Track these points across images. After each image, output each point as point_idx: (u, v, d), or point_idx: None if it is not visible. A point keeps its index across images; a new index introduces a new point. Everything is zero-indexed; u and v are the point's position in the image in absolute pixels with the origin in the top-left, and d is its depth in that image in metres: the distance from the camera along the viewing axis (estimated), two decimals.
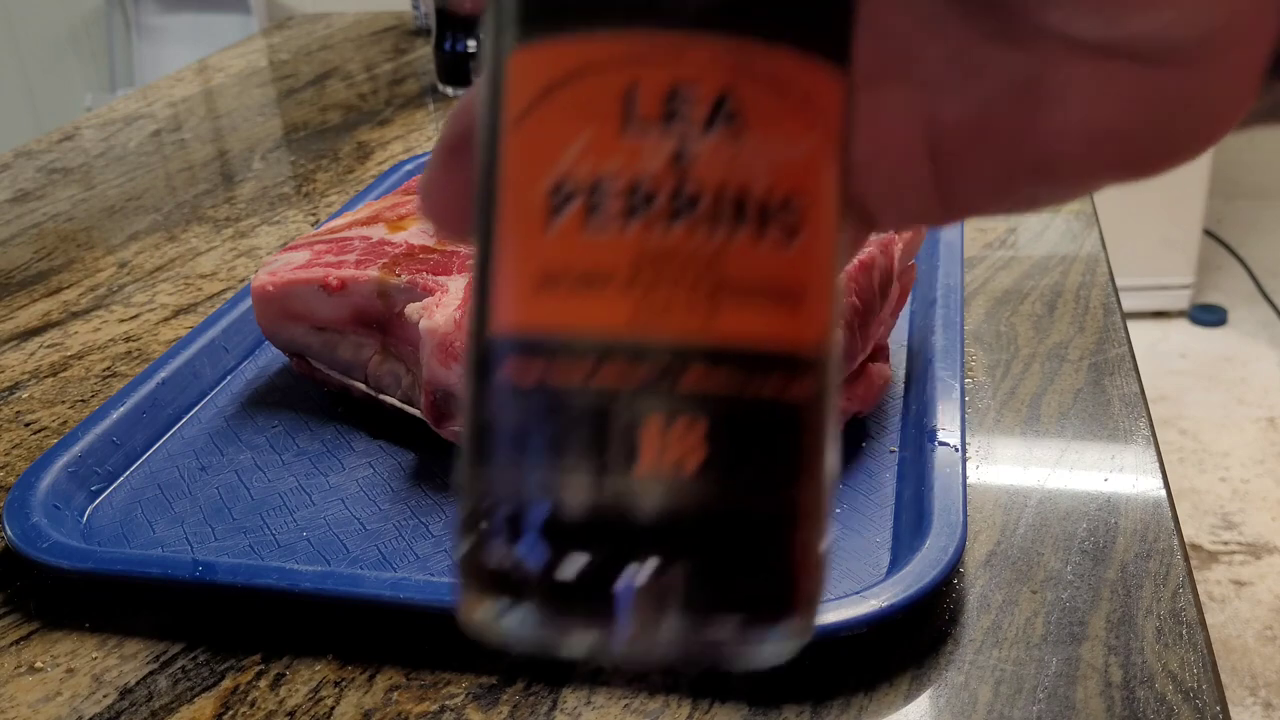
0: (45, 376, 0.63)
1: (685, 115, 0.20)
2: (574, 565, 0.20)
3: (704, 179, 0.20)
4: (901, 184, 0.26)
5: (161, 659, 0.42)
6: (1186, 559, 0.43)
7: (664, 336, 0.20)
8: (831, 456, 0.22)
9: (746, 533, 0.21)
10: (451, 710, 0.39)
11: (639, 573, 0.20)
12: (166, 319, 0.69)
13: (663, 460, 0.20)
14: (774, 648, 0.21)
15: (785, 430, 0.21)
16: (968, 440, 0.48)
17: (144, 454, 0.54)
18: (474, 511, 0.21)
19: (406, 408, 0.54)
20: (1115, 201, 2.01)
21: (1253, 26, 0.24)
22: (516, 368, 0.21)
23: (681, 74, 0.21)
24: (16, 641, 0.44)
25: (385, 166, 0.90)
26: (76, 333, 0.68)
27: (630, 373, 0.20)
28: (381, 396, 0.55)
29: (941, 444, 0.46)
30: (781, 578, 0.21)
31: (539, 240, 0.21)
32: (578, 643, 0.20)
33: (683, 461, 0.20)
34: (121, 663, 0.42)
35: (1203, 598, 1.60)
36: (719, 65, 0.21)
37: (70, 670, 0.42)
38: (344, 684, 0.41)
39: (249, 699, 0.40)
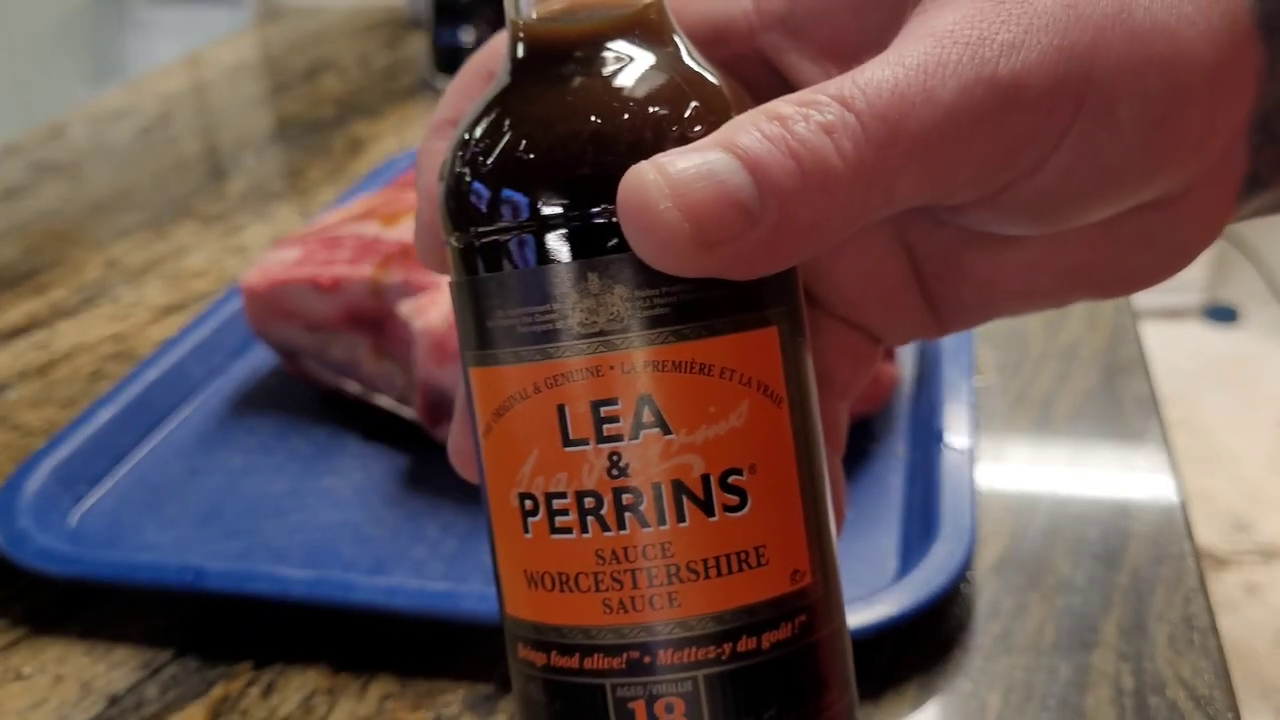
0: (32, 378, 0.62)
1: (612, 427, 0.23)
2: None
3: (640, 480, 0.22)
4: (895, 311, 0.28)
5: (151, 666, 0.42)
6: (1199, 564, 0.43)
7: (635, 626, 0.23)
8: (842, 667, 0.24)
9: None
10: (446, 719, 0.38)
11: None
12: (155, 318, 0.68)
13: None
14: None
15: (772, 676, 0.23)
16: (977, 442, 0.48)
17: (133, 456, 0.53)
18: None
19: (401, 409, 0.53)
20: None
21: (1222, 168, 0.23)
22: (527, 651, 0.24)
23: (600, 392, 0.23)
24: (3, 648, 0.43)
25: (379, 161, 0.89)
26: (64, 333, 0.67)
27: (613, 660, 0.23)
28: (375, 397, 0.54)
29: (950, 446, 0.45)
30: None
31: (520, 541, 0.24)
32: None
33: None
34: (110, 669, 0.41)
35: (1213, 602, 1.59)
36: (632, 377, 0.22)
37: (58, 677, 0.41)
38: (337, 692, 0.40)
39: (240, 707, 0.39)
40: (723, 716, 0.23)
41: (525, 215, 0.23)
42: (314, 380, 0.56)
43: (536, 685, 0.24)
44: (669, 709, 0.22)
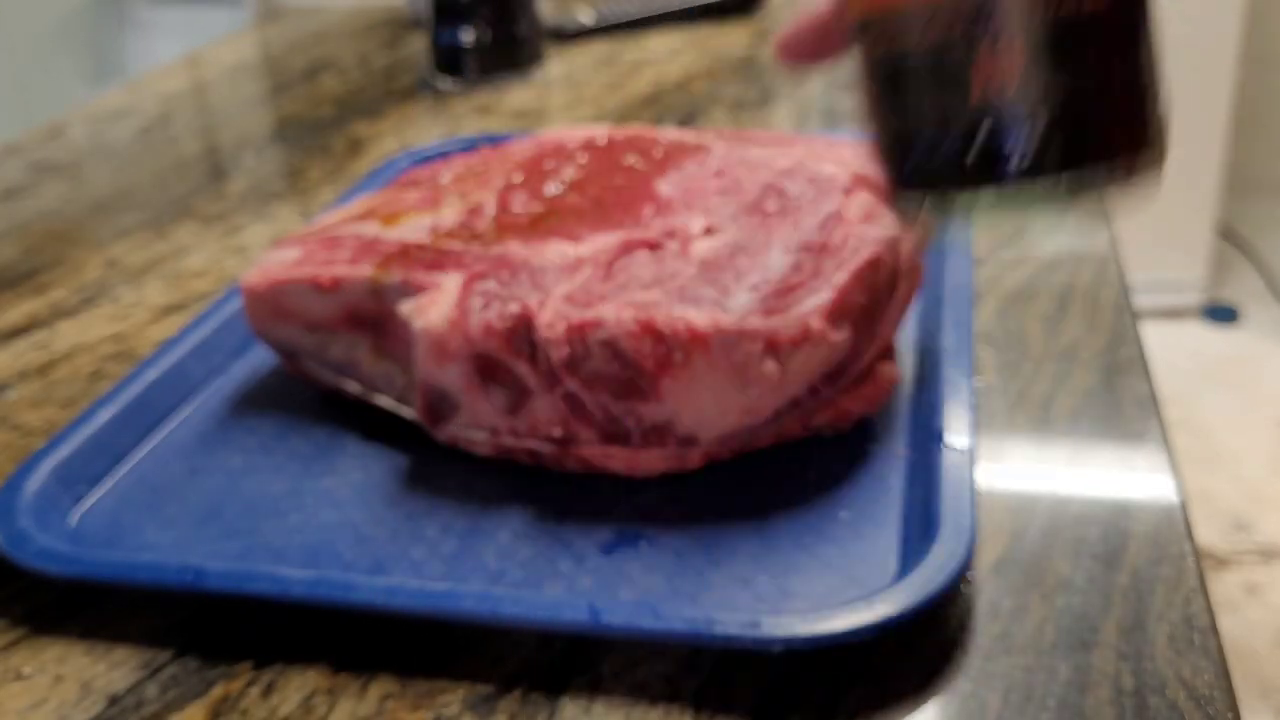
0: (32, 378, 0.62)
1: None
2: (977, 148, 0.28)
3: None
4: None
5: (151, 666, 0.42)
6: (1199, 564, 0.42)
7: None
8: (1151, 22, 0.28)
9: (1092, 98, 0.27)
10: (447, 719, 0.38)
11: (1023, 142, 0.27)
12: (155, 318, 0.68)
13: (1001, 73, 0.27)
14: (1137, 174, 0.29)
15: (1101, 21, 0.27)
16: (977, 442, 0.48)
17: (133, 456, 0.53)
18: (886, 144, 0.31)
19: (401, 409, 0.53)
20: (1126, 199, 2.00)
21: None
22: (872, 37, 0.29)
23: None
24: (3, 648, 0.43)
25: (379, 161, 0.89)
26: (64, 333, 0.67)
27: (958, 16, 0.27)
28: (375, 397, 0.54)
29: (950, 446, 0.45)
30: (1127, 123, 0.28)
31: None
32: (1007, 194, 0.29)
33: (1014, 71, 0.27)
34: (110, 669, 0.41)
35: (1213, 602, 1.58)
36: None
37: (58, 677, 0.41)
38: (337, 692, 0.40)
39: (240, 707, 0.39)
40: (1047, 74, 0.26)
41: None
42: (314, 380, 0.56)
43: (889, 59, 0.29)
44: (1011, 46, 0.26)
